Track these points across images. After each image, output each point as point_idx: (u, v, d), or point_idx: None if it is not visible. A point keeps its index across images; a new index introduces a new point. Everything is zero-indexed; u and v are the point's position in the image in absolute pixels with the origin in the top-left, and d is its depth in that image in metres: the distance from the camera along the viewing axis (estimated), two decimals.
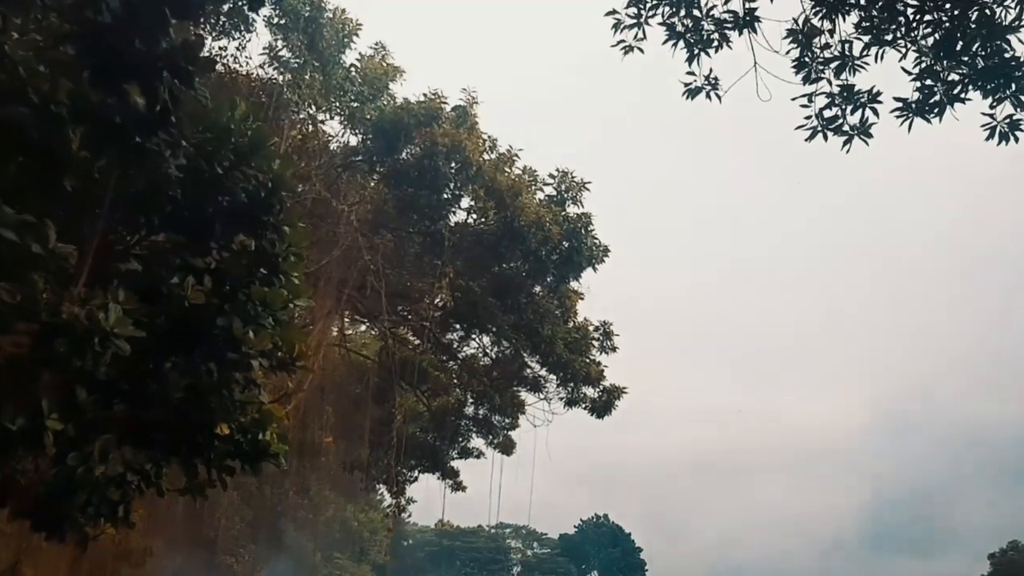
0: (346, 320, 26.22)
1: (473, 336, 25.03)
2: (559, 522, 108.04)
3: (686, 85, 10.35)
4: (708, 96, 10.31)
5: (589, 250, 19.86)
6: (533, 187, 20.03)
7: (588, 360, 22.61)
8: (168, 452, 10.43)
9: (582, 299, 22.17)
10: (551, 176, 20.23)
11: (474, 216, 20.17)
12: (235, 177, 9.55)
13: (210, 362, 9.73)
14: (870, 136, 9.71)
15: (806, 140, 9.73)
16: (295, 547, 49.33)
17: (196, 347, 9.64)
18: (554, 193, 20.13)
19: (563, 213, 20.01)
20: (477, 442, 31.17)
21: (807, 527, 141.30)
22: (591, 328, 22.75)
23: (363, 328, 29.92)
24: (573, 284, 21.17)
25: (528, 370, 24.83)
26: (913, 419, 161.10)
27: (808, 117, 9.86)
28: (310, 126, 18.82)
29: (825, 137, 9.80)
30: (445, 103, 18.85)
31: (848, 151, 9.79)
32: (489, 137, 19.43)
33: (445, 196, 19.42)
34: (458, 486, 31.96)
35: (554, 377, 23.84)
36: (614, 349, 23.12)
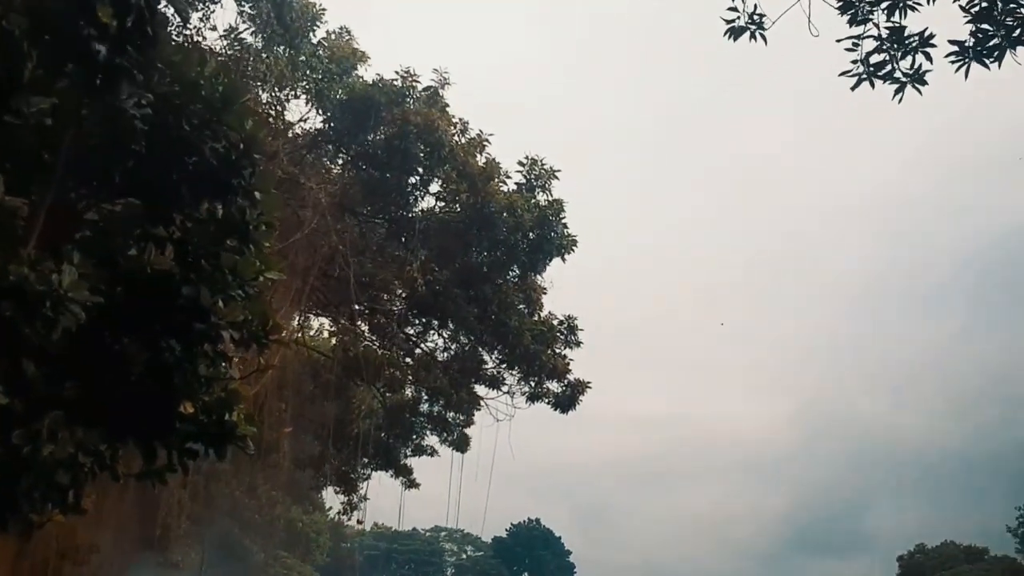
0: (305, 313, 25.34)
1: (432, 330, 24.30)
2: (492, 526, 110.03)
3: (728, 23, 9.46)
4: (753, 36, 9.39)
5: (560, 239, 19.25)
6: (500, 175, 19.28)
7: (554, 353, 21.99)
8: (124, 433, 9.70)
9: (546, 293, 21.54)
10: (520, 163, 19.58)
11: (443, 202, 19.38)
12: (204, 136, 8.80)
13: (173, 335, 8.98)
14: (923, 84, 8.83)
15: (852, 89, 8.94)
16: (241, 546, 48.33)
17: (158, 319, 8.90)
18: (523, 181, 19.48)
19: (534, 200, 19.38)
20: (432, 440, 30.53)
21: (730, 531, 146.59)
22: (555, 322, 22.12)
23: (321, 323, 29.08)
24: (540, 276, 20.45)
25: (487, 366, 24.18)
26: (830, 429, 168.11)
27: (855, 62, 8.99)
28: (276, 107, 18.00)
29: (872, 84, 8.93)
30: (417, 82, 18.12)
31: (900, 101, 8.91)
32: (461, 120, 18.76)
33: (414, 180, 18.69)
34: (411, 483, 31.21)
35: (516, 372, 23.15)
36: (578, 344, 22.56)
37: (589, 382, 22.71)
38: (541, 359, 21.41)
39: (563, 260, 19.84)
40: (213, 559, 42.77)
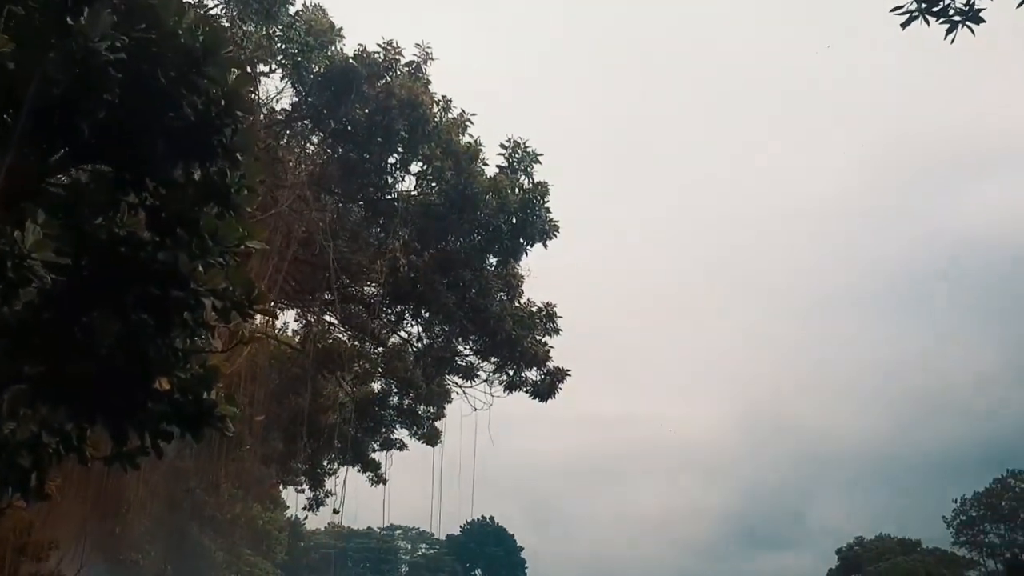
0: (275, 303, 24.46)
1: (406, 319, 23.55)
2: (446, 523, 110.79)
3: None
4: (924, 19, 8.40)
5: (543, 223, 18.60)
6: (482, 157, 18.53)
7: (536, 340, 21.35)
8: (93, 412, 8.96)
9: (523, 279, 20.83)
10: (503, 146, 18.84)
11: (424, 182, 18.58)
12: (181, 89, 8.06)
13: (147, 305, 8.26)
14: (978, 22, 8.21)
15: (902, 26, 8.32)
16: (201, 545, 47.28)
17: (130, 287, 8.17)
18: (505, 164, 18.76)
19: (518, 182, 18.69)
20: (401, 433, 29.77)
21: (677, 528, 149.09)
22: (535, 309, 21.47)
23: (288, 314, 28.23)
24: (521, 262, 19.81)
25: (462, 355, 23.51)
26: (773, 429, 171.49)
27: None
28: (250, 84, 17.04)
29: (926, 21, 8.29)
30: (400, 55, 17.25)
31: (953, 40, 8.28)
32: (444, 98, 17.96)
33: (394, 160, 17.90)
34: (379, 479, 30.43)
35: (493, 360, 22.46)
36: (557, 331, 21.94)
37: (568, 370, 22.20)
38: (523, 346, 20.75)
39: (545, 246, 19.22)
40: (174, 558, 41.82)
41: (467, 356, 23.37)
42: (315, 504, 31.82)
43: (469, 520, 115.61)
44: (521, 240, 18.60)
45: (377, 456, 30.54)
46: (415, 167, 18.14)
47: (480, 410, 22.83)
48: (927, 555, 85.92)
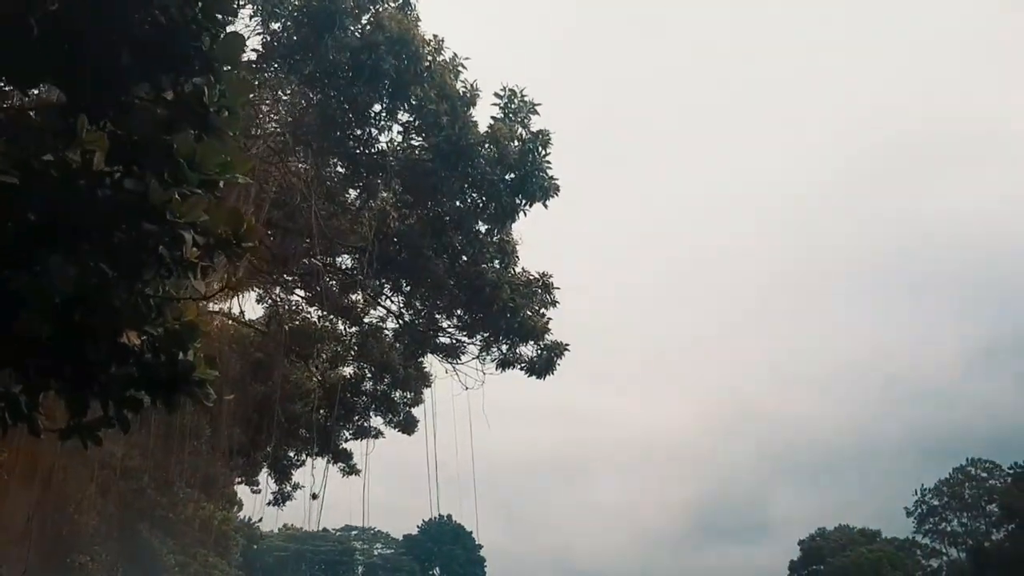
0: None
1: (385, 294, 21.77)
2: (403, 523, 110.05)
3: None
4: None
5: (545, 178, 16.89)
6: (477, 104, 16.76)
7: (536, 310, 19.73)
8: (46, 375, 7.31)
9: (518, 245, 19.01)
10: (497, 95, 17.05)
11: (414, 133, 16.71)
12: None
13: (111, 246, 6.61)
14: None
15: None
16: (152, 547, 45.23)
17: (90, 224, 6.52)
18: (499, 116, 16.96)
19: (516, 132, 16.93)
20: (376, 421, 27.93)
21: (640, 521, 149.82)
22: (530, 278, 19.77)
23: (251, 294, 26.27)
24: (516, 225, 18.02)
25: (444, 334, 21.81)
26: (735, 421, 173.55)
27: None
28: None
29: None
30: None
31: None
32: (435, 37, 16.06)
33: (380, 108, 16.04)
34: (351, 470, 28.58)
35: (483, 336, 20.73)
36: (554, 303, 20.06)
37: (567, 344, 20.43)
38: (521, 316, 19.06)
39: (545, 206, 17.28)
40: (125, 560, 39.92)
41: (451, 333, 21.60)
42: (281, 499, 29.85)
43: (425, 519, 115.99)
44: (519, 199, 16.86)
45: (349, 446, 28.72)
46: (403, 116, 16.29)
47: (470, 390, 21.02)
48: (888, 545, 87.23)
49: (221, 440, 28.18)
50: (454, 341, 21.94)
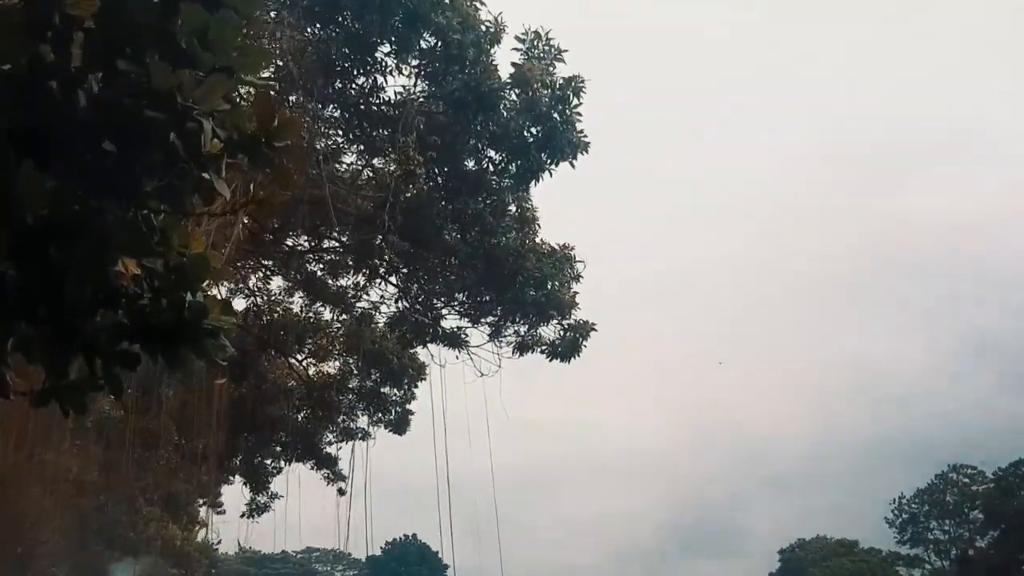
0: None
1: (379, 277, 19.46)
2: (369, 545, 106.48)
3: None
4: None
5: (575, 132, 14.75)
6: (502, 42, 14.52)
7: (562, 283, 17.58)
8: (15, 321, 5.24)
9: (537, 211, 16.78)
10: (518, 39, 14.86)
11: (427, 82, 14.47)
12: None
13: (98, 145, 4.59)
14: None
15: None
16: (113, 567, 42.61)
17: (73, 121, 4.55)
18: (521, 61, 14.75)
19: (550, 75, 14.78)
20: (363, 421, 25.55)
21: (613, 534, 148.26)
22: (554, 248, 17.47)
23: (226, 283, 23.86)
24: (529, 191, 15.75)
25: (450, 318, 19.64)
26: (710, 431, 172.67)
27: None
28: None
29: None
30: None
31: None
32: None
33: (388, 49, 13.83)
34: (336, 476, 26.18)
35: (492, 318, 18.53)
36: (578, 278, 17.69)
37: (594, 324, 18.15)
38: (550, 289, 16.89)
39: (572, 165, 15.04)
40: None
41: (455, 317, 19.38)
42: (256, 510, 27.33)
43: (389, 540, 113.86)
44: (547, 154, 14.69)
45: (333, 451, 26.32)
46: (415, 61, 14.09)
47: (487, 375, 18.78)
48: (870, 555, 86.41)
49: (190, 448, 25.81)
50: (455, 329, 19.78)
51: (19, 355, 5.63)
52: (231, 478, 26.39)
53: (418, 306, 19.82)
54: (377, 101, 14.70)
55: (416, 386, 24.07)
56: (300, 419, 25.46)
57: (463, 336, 19.91)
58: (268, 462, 26.51)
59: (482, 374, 18.90)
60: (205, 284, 5.65)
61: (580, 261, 17.71)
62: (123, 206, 5.05)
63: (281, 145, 5.50)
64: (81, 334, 5.28)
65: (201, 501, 35.83)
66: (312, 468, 25.81)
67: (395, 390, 24.36)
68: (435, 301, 19.77)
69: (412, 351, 23.06)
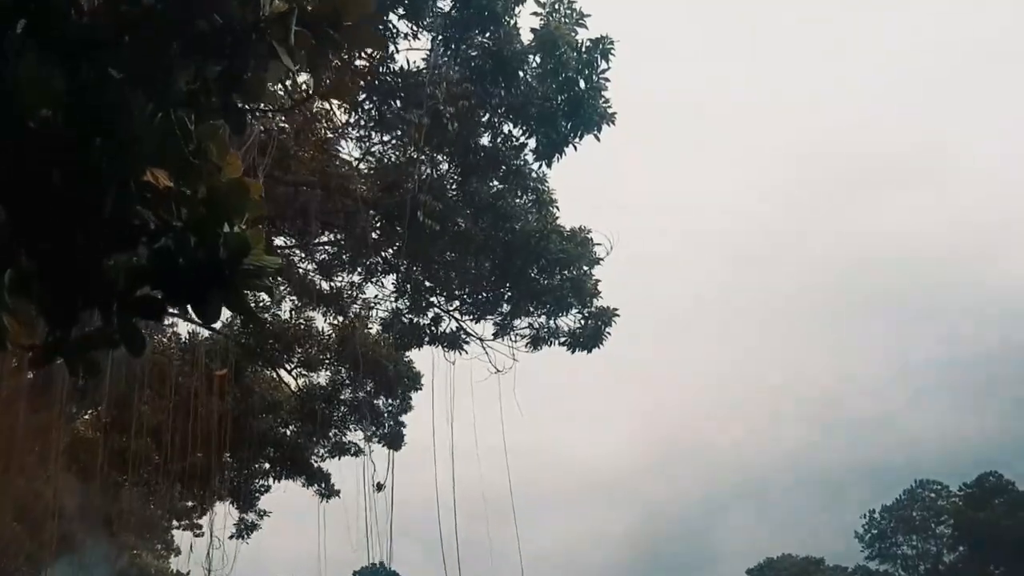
0: None
1: (377, 274, 18.40)
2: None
3: None
4: None
5: (602, 101, 13.78)
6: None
7: (582, 268, 16.34)
8: (13, 254, 4.25)
9: (554, 191, 15.61)
10: (538, 2, 13.72)
11: (441, 48, 13.39)
12: None
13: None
14: None
15: None
16: None
17: None
18: (540, 26, 13.65)
19: (577, 37, 13.35)
20: (355, 436, 24.29)
21: (582, 558, 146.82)
22: (574, 229, 16.11)
23: None
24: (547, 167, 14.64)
25: (445, 322, 18.54)
26: (677, 451, 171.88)
27: None
28: None
29: None
30: None
31: None
32: None
33: (402, 12, 12.79)
34: (330, 492, 24.86)
35: (499, 313, 17.38)
36: (597, 262, 16.48)
37: (616, 309, 17.01)
38: (574, 272, 15.78)
39: (597, 137, 13.95)
40: None
41: (455, 326, 18.25)
42: (245, 530, 25.90)
43: (355, 570, 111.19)
44: (578, 119, 13.58)
45: (325, 465, 24.99)
46: (429, 24, 13.07)
47: (501, 372, 17.65)
48: (837, 572, 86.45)
49: (171, 468, 24.46)
50: (455, 330, 18.64)
51: (23, 301, 4.61)
52: (215, 498, 24.97)
53: (414, 305, 18.69)
54: (386, 71, 13.66)
55: (410, 397, 22.97)
56: (289, 434, 24.22)
57: (462, 337, 18.80)
58: (256, 480, 25.16)
59: (499, 370, 17.55)
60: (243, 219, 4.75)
61: (599, 244, 16.54)
62: (156, 99, 4.13)
63: (353, 24, 4.68)
64: (93, 275, 4.32)
65: (176, 524, 34.31)
66: (303, 485, 24.53)
67: (389, 400, 23.25)
68: (433, 299, 18.67)
69: (407, 360, 22.02)
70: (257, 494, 25.29)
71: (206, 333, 23.11)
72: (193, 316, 5.03)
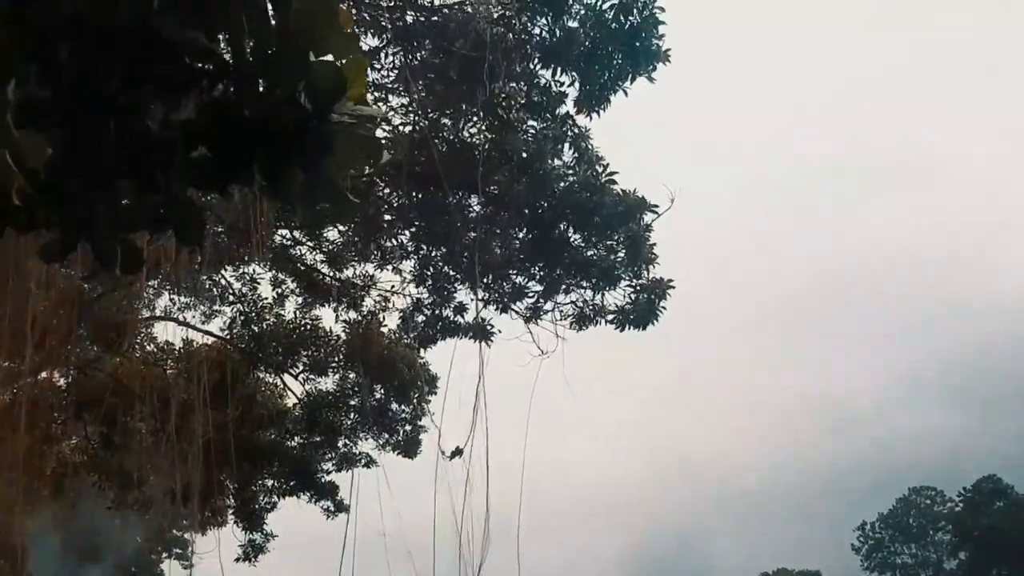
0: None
1: (394, 257, 16.80)
2: None
3: None
4: None
5: (656, 36, 12.42)
6: None
7: (641, 230, 13.87)
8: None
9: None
10: None
11: None
12: None
13: None
14: None
15: None
16: None
17: None
18: None
19: None
20: (367, 445, 22.49)
21: None
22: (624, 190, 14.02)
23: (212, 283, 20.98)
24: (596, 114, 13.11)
25: (470, 310, 16.94)
26: (677, 467, 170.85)
27: None
28: None
29: None
30: None
31: None
32: None
33: None
34: (339, 507, 23.03)
35: (532, 286, 15.62)
36: (649, 229, 14.17)
37: (671, 280, 14.81)
38: (625, 239, 14.14)
39: (651, 79, 12.41)
40: None
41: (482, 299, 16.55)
42: (252, 552, 23.99)
43: None
44: (634, 56, 12.06)
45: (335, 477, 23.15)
46: None
47: (543, 355, 15.93)
48: None
49: (166, 489, 22.63)
50: (480, 321, 17.04)
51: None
52: (220, 518, 23.14)
53: (436, 292, 17.14)
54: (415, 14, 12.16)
55: (427, 400, 21.34)
56: (295, 445, 22.49)
57: (490, 327, 17.19)
58: (261, 496, 23.30)
59: (543, 352, 15.75)
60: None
61: (655, 205, 14.21)
62: None
63: None
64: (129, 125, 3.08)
65: (165, 555, 32.31)
66: (311, 500, 22.76)
67: (403, 406, 21.61)
68: (454, 286, 17.06)
69: (423, 359, 20.46)
70: (264, 512, 23.39)
71: (202, 340, 21.54)
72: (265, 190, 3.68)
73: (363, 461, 22.27)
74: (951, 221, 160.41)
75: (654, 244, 14.14)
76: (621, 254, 14.25)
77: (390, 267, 17.43)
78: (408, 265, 17.16)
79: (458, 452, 14.04)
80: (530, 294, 16.10)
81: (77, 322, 19.70)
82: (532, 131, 13.28)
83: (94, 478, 23.29)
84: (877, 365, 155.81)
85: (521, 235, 14.91)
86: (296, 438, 22.47)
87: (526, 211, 13.98)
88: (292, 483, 22.70)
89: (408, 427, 21.63)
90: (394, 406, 21.42)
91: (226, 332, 20.94)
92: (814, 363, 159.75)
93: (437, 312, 17.52)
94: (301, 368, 21.25)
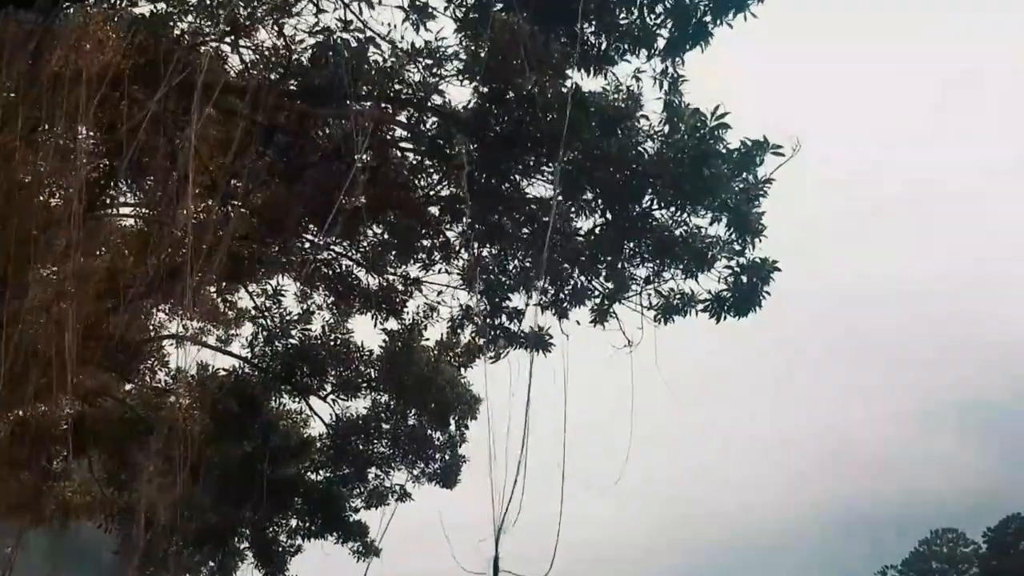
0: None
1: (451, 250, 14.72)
2: None
3: None
4: None
5: None
6: None
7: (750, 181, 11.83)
8: None
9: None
10: None
11: None
12: None
13: None
14: None
15: None
16: None
17: None
18: None
19: None
20: (400, 477, 20.27)
21: None
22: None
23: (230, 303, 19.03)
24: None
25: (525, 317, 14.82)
26: (688, 517, 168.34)
27: None
28: None
29: None
30: None
31: None
32: None
33: None
34: (368, 549, 20.73)
35: (616, 264, 13.32)
36: (766, 184, 12.06)
37: (776, 261, 12.45)
38: (738, 202, 11.93)
39: (731, 26, 10.71)
40: None
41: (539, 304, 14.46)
42: None
43: None
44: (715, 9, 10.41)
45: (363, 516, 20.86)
46: None
47: (626, 348, 13.71)
48: None
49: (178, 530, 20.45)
50: (537, 329, 14.87)
51: None
52: (237, 562, 20.82)
53: (488, 298, 15.15)
54: None
55: (467, 425, 19.25)
56: (321, 480, 20.31)
57: (546, 337, 15.11)
58: (283, 538, 20.97)
59: (616, 348, 13.62)
60: None
61: (778, 146, 11.77)
62: None
63: None
64: None
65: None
66: (337, 542, 20.45)
67: (438, 432, 19.52)
68: (507, 288, 15.04)
69: (464, 379, 18.44)
70: (287, 555, 21.03)
71: (219, 362, 19.52)
72: None
73: (396, 495, 20.09)
74: (963, 257, 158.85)
75: (763, 212, 11.99)
76: (721, 226, 12.11)
77: (437, 268, 15.45)
78: (457, 265, 15.24)
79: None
80: (595, 295, 14.15)
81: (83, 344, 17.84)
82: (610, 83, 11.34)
83: (99, 519, 21.08)
84: (891, 408, 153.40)
85: (592, 220, 12.92)
86: (322, 471, 20.31)
87: (604, 186, 12.01)
88: (318, 522, 20.45)
89: (447, 453, 19.53)
90: (430, 432, 19.33)
91: (247, 351, 18.92)
92: (829, 406, 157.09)
93: (489, 320, 15.55)
94: (329, 389, 19.17)
